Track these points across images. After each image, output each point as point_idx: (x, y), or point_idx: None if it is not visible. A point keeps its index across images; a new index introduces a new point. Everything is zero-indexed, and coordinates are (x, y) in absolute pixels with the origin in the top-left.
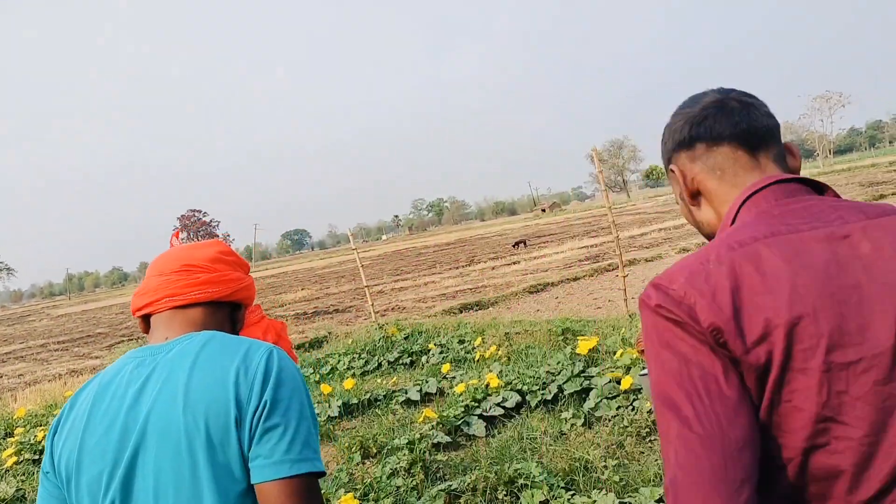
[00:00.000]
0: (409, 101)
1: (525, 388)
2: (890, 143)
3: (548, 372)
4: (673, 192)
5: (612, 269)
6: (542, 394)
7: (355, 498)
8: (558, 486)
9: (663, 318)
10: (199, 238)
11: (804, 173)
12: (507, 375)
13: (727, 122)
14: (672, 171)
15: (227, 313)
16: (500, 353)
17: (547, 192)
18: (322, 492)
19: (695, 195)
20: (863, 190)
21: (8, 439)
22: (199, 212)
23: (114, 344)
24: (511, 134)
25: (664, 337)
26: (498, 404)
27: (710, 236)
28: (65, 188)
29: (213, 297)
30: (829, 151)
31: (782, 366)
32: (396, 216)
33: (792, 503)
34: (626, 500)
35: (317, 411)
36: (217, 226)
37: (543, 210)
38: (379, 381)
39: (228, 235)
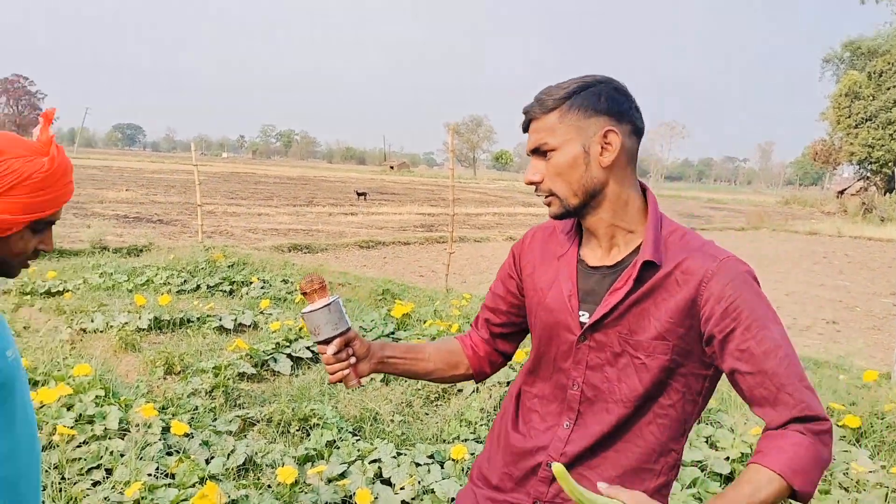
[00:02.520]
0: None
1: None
2: (714, 180)
3: (361, 327)
4: (570, 144)
5: (443, 242)
6: None
7: (155, 409)
8: (347, 430)
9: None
10: (20, 108)
11: None
12: None
13: (644, 126)
14: (613, 131)
15: None
16: None
17: (399, 149)
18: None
19: (612, 164)
20: (679, 219)
21: None
22: (26, 79)
23: None
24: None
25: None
26: (308, 348)
27: (596, 200)
28: None
29: None
30: (661, 176)
31: None
32: (242, 136)
33: None
34: (402, 451)
35: (125, 321)
36: (42, 99)
37: (392, 167)
38: (195, 302)
39: (55, 111)
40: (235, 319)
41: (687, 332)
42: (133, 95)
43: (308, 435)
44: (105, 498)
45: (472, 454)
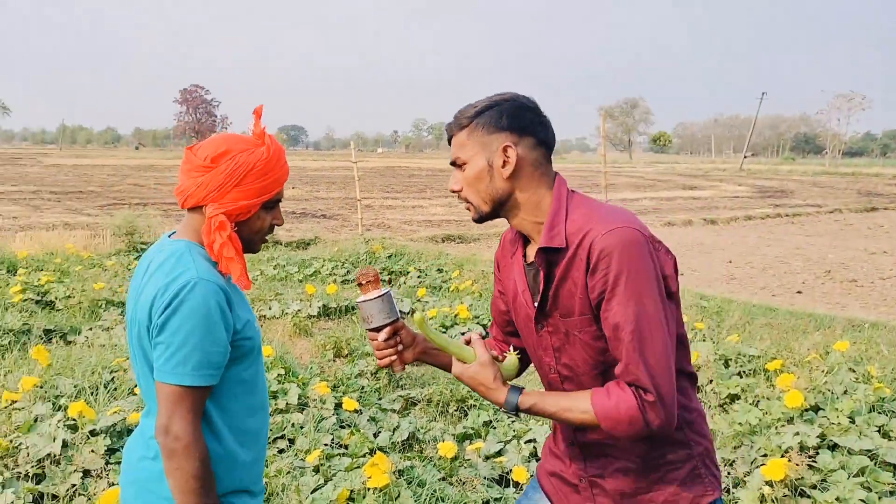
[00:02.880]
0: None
1: (490, 323)
2: None
3: None
4: (477, 158)
5: None
6: None
7: (328, 387)
8: (502, 411)
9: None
10: (198, 115)
11: (806, 169)
12: (476, 310)
13: (552, 136)
14: (510, 146)
15: (213, 227)
16: (474, 287)
17: None
18: (206, 394)
19: (513, 174)
20: (858, 198)
21: (14, 277)
22: (202, 88)
23: (107, 205)
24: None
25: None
26: (462, 333)
27: (507, 206)
28: (71, 35)
29: (188, 203)
30: (839, 152)
31: None
32: (396, 131)
33: None
34: None
35: (298, 308)
36: (217, 106)
37: None
38: (358, 291)
39: (227, 117)
40: None
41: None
42: (295, 98)
43: (466, 415)
44: (290, 464)
45: None
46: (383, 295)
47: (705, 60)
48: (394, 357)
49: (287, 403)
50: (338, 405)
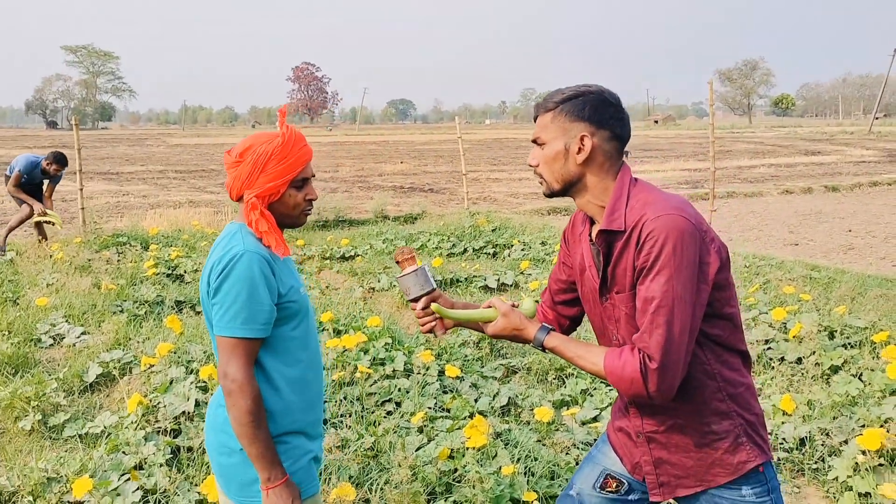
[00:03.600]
0: None
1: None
2: None
3: None
4: (556, 142)
5: (708, 199)
6: None
7: (432, 355)
8: (602, 381)
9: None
10: (310, 93)
11: None
12: None
13: (628, 131)
14: (587, 136)
15: (248, 208)
16: None
17: (665, 102)
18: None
19: (585, 161)
20: None
21: (146, 253)
22: (313, 66)
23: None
24: (634, 36)
25: None
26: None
27: (576, 187)
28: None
29: (233, 195)
30: None
31: None
32: (503, 102)
33: None
34: None
35: None
36: (328, 83)
37: (656, 121)
38: (462, 264)
39: (337, 93)
40: (498, 279)
41: None
42: (402, 73)
43: (563, 383)
44: (396, 424)
45: None
46: (418, 270)
47: (831, 16)
48: (433, 322)
49: (394, 370)
50: (441, 372)
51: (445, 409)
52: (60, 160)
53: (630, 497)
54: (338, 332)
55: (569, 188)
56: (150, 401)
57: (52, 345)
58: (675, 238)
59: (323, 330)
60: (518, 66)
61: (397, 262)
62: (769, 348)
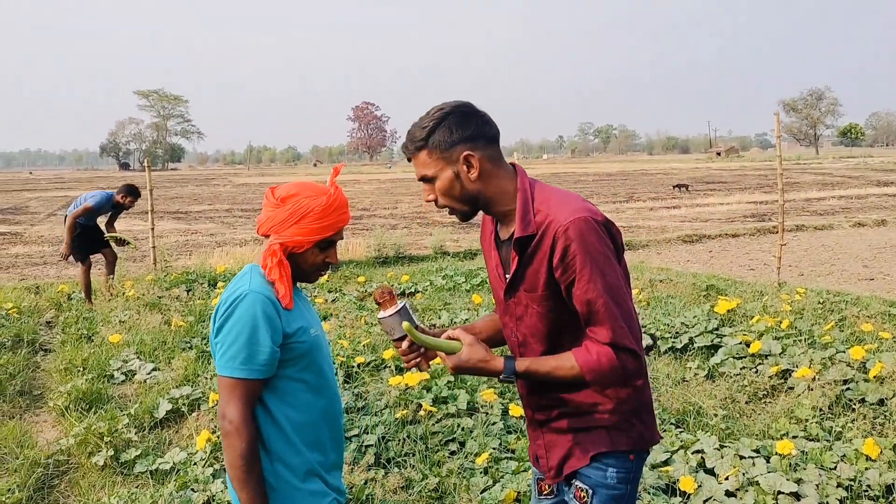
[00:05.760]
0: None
1: (658, 333)
2: None
3: (682, 323)
4: (444, 172)
5: (776, 232)
6: (673, 342)
7: (495, 394)
8: (669, 422)
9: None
10: (369, 131)
11: None
12: (643, 318)
13: (496, 128)
14: (470, 154)
15: (269, 252)
16: (641, 296)
17: (727, 134)
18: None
19: (478, 176)
20: None
21: (213, 290)
22: (373, 105)
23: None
24: (695, 68)
25: None
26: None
27: (481, 202)
28: (258, 66)
29: (260, 231)
30: None
31: None
32: (561, 137)
33: None
34: (726, 444)
35: (466, 318)
36: (387, 121)
37: (718, 153)
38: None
39: (395, 132)
40: None
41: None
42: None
43: None
44: (460, 465)
45: (803, 451)
46: (399, 310)
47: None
48: (418, 360)
49: (457, 409)
50: (505, 412)
51: (510, 449)
52: (133, 192)
53: (561, 496)
54: (400, 370)
55: (476, 205)
56: (218, 437)
57: (124, 381)
58: (587, 239)
59: (385, 367)
60: (575, 101)
61: (377, 304)
62: (848, 389)
